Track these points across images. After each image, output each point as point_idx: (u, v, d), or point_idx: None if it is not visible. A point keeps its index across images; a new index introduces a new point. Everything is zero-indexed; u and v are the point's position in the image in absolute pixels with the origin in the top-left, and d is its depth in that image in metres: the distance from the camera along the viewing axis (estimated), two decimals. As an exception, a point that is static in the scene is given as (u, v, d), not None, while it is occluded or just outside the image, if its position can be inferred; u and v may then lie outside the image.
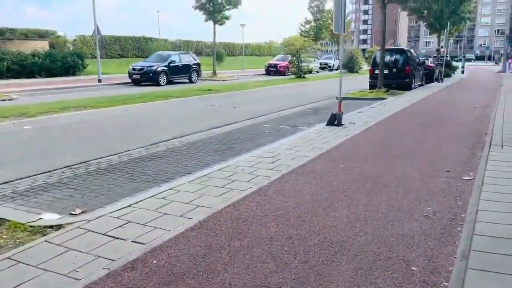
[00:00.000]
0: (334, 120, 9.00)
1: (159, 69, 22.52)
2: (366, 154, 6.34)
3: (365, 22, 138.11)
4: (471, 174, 5.16)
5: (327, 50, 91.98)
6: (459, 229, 3.53)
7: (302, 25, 48.12)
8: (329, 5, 49.84)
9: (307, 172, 5.38)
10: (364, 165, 5.67)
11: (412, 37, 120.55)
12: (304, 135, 8.02)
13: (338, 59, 46.63)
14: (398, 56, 18.35)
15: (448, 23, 25.44)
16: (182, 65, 24.32)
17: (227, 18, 29.43)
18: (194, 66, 25.40)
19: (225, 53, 51.03)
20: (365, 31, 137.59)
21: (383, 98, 14.83)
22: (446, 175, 5.17)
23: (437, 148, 6.62)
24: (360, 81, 23.56)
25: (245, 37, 76.29)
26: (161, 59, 23.76)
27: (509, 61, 34.92)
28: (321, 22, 47.04)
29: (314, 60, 43.67)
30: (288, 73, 30.24)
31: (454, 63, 39.52)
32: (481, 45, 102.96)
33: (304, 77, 27.64)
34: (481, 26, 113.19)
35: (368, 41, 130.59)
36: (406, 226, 3.61)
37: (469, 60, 72.37)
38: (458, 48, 48.99)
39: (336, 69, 43.66)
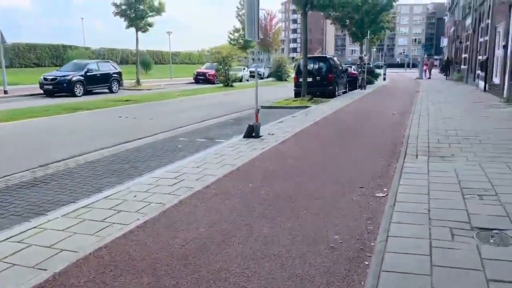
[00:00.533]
0: (252, 132, 8.49)
1: (74, 78, 20.90)
2: (279, 169, 5.84)
3: (294, 31, 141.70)
4: (385, 190, 4.81)
5: (258, 59, 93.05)
6: (367, 263, 3.06)
7: (231, 33, 47.89)
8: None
9: (210, 195, 4.74)
10: (275, 183, 5.15)
11: (338, 45, 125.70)
12: (218, 149, 7.39)
13: (269, 67, 47.00)
14: (321, 64, 18.45)
15: (369, 32, 26.23)
16: (100, 74, 22.82)
17: (150, 25, 28.25)
18: (115, 75, 23.98)
19: (153, 61, 49.41)
20: (294, 40, 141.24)
21: (306, 106, 14.68)
22: (359, 192, 4.78)
23: (353, 160, 6.30)
24: (288, 89, 23.49)
25: (177, 45, 74.57)
26: (77, 68, 22.12)
27: (424, 67, 37.04)
28: (249, 30, 47.07)
29: (244, 68, 43.59)
30: (218, 82, 29.63)
31: (378, 70, 41.34)
32: (401, 53, 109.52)
33: (232, 86, 27.20)
34: (400, 36, 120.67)
35: (298, 50, 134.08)
36: (308, 262, 3.08)
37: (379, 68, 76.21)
38: (380, 56, 51.50)
39: (267, 77, 43.86)
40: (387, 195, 4.60)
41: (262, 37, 63.33)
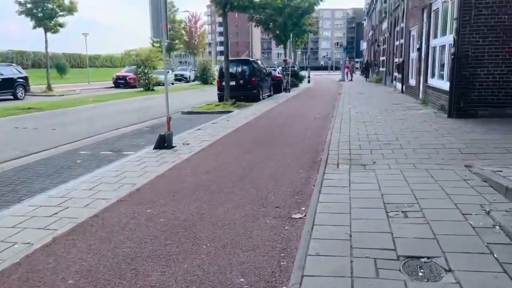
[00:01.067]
0: (163, 143, 7.64)
1: (-33, 84, 18.51)
2: (187, 188, 5.08)
3: (221, 33, 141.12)
4: (303, 209, 4.25)
5: (185, 62, 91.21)
6: (275, 319, 2.41)
7: (153, 35, 46.25)
8: (182, 15, 48.92)
9: (96, 228, 3.87)
10: (179, 207, 4.38)
11: (265, 48, 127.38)
12: (120, 165, 6.46)
13: (195, 70, 45.88)
14: (244, 67, 17.94)
15: (291, 35, 26.29)
16: (1, 79, 20.49)
17: (61, 25, 26.08)
18: (20, 80, 21.74)
19: (69, 64, 46.14)
20: (222, 43, 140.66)
21: (229, 111, 14.04)
22: (274, 213, 4.16)
23: (271, 173, 5.71)
24: (214, 92, 22.71)
25: (99, 48, 70.65)
26: (-28, 72, 19.66)
27: (346, 70, 38.23)
28: (173, 33, 45.64)
29: (168, 72, 42.11)
30: (139, 86, 28.01)
31: (303, 73, 41.97)
32: (324, 56, 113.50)
33: (153, 90, 25.85)
34: (323, 39, 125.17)
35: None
36: (200, 325, 2.36)
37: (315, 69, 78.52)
38: (305, 59, 52.62)
39: (193, 81, 42.78)
40: (305, 215, 4.03)
41: (187, 39, 62.17)
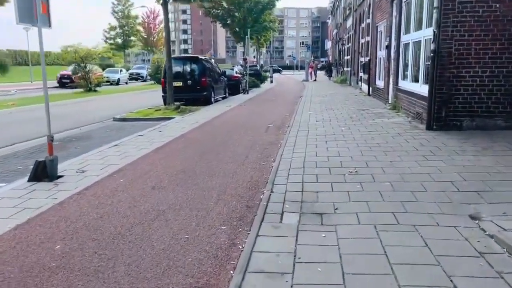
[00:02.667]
0: (43, 172, 5.38)
1: None
2: (44, 262, 2.91)
3: (185, 31, 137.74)
4: None
5: (144, 60, 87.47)
6: None
7: (106, 31, 43.02)
8: (136, 10, 45.94)
9: None
10: None
11: (230, 47, 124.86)
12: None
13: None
14: (193, 66, 15.72)
15: (249, 31, 24.28)
16: None
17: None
18: None
19: (10, 62, 42.28)
20: (185, 41, 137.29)
21: (169, 118, 11.84)
22: None
23: (177, 238, 3.59)
24: (162, 94, 20.49)
25: (52, 44, 66.56)
26: None
27: (310, 70, 36.58)
28: (128, 29, 42.74)
29: (121, 70, 39.30)
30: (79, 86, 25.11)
31: (268, 73, 40.03)
32: (289, 55, 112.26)
33: (95, 91, 23.15)
34: (288, 38, 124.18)
35: (190, 51, 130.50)
36: None
37: (278, 70, 76.90)
38: (269, 58, 50.78)
39: (151, 80, 40.04)
40: None
41: (145, 36, 59.04)
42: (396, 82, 11.34)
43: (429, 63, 7.80)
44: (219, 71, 18.41)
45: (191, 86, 15.44)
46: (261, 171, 5.58)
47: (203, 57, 17.34)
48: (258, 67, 39.64)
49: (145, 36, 56.71)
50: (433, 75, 7.59)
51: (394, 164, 5.46)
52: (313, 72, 36.41)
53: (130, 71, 43.24)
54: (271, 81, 35.49)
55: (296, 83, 33.50)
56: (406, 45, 10.71)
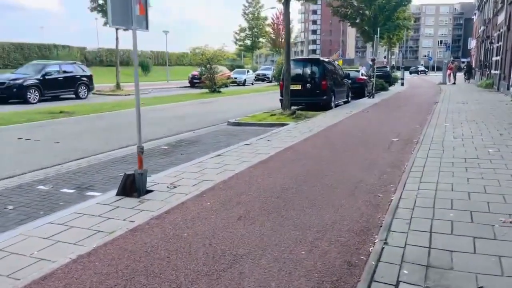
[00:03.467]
0: (132, 187, 5.00)
1: (27, 82, 17.87)
2: None
3: (314, 32, 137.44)
4: None
5: (273, 61, 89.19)
6: None
7: (236, 33, 44.49)
8: (266, 12, 46.54)
9: None
10: None
11: (359, 47, 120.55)
12: (38, 226, 3.95)
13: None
14: (313, 68, 14.77)
15: (379, 30, 22.37)
16: (64, 77, 19.74)
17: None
18: (83, 78, 20.88)
19: (153, 63, 46.36)
20: (314, 41, 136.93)
21: (282, 124, 11.12)
22: None
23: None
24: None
25: (182, 46, 72.33)
26: (34, 70, 19.09)
27: (448, 71, 32.71)
28: (257, 30, 43.60)
29: (248, 71, 40.22)
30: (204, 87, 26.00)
31: (398, 74, 37.15)
32: (425, 55, 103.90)
33: (219, 92, 23.69)
34: (425, 37, 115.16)
35: (318, 51, 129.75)
36: None
37: (416, 72, 71.44)
38: (400, 58, 47.10)
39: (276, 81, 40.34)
40: None
41: (273, 37, 59.81)
42: None
43: None
44: (342, 74, 17.13)
45: (311, 89, 14.52)
46: (375, 207, 4.40)
47: (325, 59, 16.31)
48: (388, 68, 37.00)
49: (274, 38, 57.49)
50: None
51: None
52: (451, 74, 32.53)
53: (257, 72, 44.08)
54: (402, 84, 32.70)
55: (431, 86, 30.29)
56: None
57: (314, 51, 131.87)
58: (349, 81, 20.68)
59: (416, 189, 4.79)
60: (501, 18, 22.94)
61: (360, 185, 5.19)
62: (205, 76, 23.93)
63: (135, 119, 5.19)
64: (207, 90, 23.84)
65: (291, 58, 18.74)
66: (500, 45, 22.68)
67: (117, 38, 24.73)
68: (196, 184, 5.35)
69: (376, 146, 7.68)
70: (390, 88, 28.93)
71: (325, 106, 14.68)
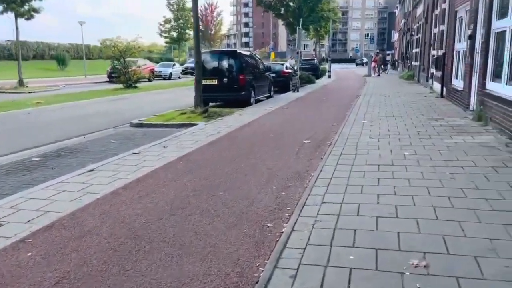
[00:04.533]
0: None
1: None
2: None
3: (246, 24, 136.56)
4: None
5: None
6: None
7: (161, 24, 42.19)
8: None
9: None
10: None
11: (291, 40, 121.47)
12: None
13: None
14: (230, 62, 13.63)
15: (301, 21, 21.74)
16: None
17: (36, 10, 22.46)
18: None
19: (71, 56, 42.84)
20: (246, 34, 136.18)
21: (192, 124, 9.89)
22: None
23: None
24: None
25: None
26: None
27: (373, 64, 33.17)
28: (183, 22, 41.68)
29: (174, 64, 38.37)
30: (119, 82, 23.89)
31: (327, 67, 37.11)
32: (353, 48, 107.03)
33: (135, 87, 21.85)
34: (353, 30, 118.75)
35: (251, 44, 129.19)
36: None
37: (362, 63, 72.38)
38: (329, 50, 47.19)
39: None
40: None
41: (203, 29, 58.01)
42: (483, 85, 8.47)
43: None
44: (264, 67, 16.15)
45: (228, 84, 13.39)
46: (257, 247, 3.30)
47: (243, 51, 15.24)
48: (315, 61, 36.93)
49: (203, 30, 55.77)
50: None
51: (498, 247, 2.98)
52: (376, 67, 33.01)
53: (185, 65, 42.27)
54: (329, 76, 32.66)
55: (357, 78, 30.43)
56: (500, 34, 7.85)
57: (247, 44, 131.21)
58: (273, 75, 19.85)
59: (314, 215, 3.78)
60: (419, 10, 23.27)
61: (249, 210, 4.10)
62: (118, 70, 21.93)
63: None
64: (121, 86, 21.83)
65: (209, 50, 17.55)
66: (419, 37, 23.00)
67: (17, 28, 21.98)
68: (31, 220, 3.97)
69: (284, 151, 6.68)
70: (317, 81, 28.64)
71: (244, 102, 13.63)
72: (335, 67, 51.73)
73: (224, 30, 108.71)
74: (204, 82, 13.39)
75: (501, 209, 3.72)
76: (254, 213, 4.02)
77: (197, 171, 5.61)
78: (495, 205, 3.82)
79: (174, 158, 6.36)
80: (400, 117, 9.63)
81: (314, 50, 51.54)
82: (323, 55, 67.46)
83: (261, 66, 15.60)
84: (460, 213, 3.67)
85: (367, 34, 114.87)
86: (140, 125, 10.47)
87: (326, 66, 39.04)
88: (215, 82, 13.38)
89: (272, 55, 44.84)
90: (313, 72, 32.68)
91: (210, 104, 14.56)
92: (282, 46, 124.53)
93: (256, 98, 14.90)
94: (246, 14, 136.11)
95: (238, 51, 14.31)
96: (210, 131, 8.75)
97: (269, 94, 16.46)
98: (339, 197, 4.21)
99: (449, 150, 6.07)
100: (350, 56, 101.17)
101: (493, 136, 6.86)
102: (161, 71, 34.17)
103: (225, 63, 13.65)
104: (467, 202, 3.94)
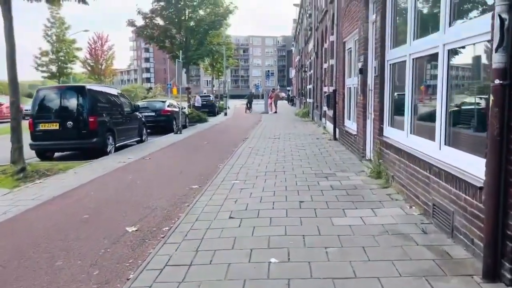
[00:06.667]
0: None
1: None
2: None
3: (147, 59, 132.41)
4: None
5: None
6: None
7: (37, 57, 37.25)
8: (76, 35, 40.53)
9: None
10: None
11: (193, 75, 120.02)
12: None
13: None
14: (78, 100, 10.54)
15: (180, 53, 19.46)
16: None
17: None
18: None
19: None
20: (147, 69, 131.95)
21: (-13, 194, 6.64)
22: None
23: None
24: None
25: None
26: None
27: (269, 100, 31.97)
28: (63, 55, 37.29)
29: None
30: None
31: (230, 103, 35.24)
32: (255, 84, 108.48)
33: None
34: (254, 67, 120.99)
35: (152, 79, 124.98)
36: None
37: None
38: (223, 86, 45.60)
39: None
40: None
41: (92, 63, 53.50)
42: (380, 130, 6.58)
43: (481, 100, 3.05)
44: (129, 106, 13.25)
45: (73, 129, 10.31)
46: None
47: (95, 87, 12.28)
48: (211, 97, 34.93)
49: (92, 64, 51.39)
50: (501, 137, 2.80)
51: None
52: (273, 103, 31.85)
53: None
54: (225, 114, 30.68)
55: (254, 116, 28.77)
56: (395, 66, 6.07)
57: (148, 79, 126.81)
58: (152, 114, 17.15)
59: None
60: (311, 46, 22.44)
61: None
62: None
63: None
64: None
65: (49, 86, 14.37)
66: (312, 73, 22.02)
67: None
68: None
69: (85, 257, 3.87)
70: (212, 118, 26.45)
71: (99, 152, 10.60)
72: (237, 102, 50.48)
73: (123, 65, 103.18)
74: (41, 127, 10.26)
75: None
76: None
77: None
78: None
79: None
80: (283, 172, 7.40)
81: (213, 86, 49.94)
82: (226, 90, 66.37)
83: (123, 105, 12.65)
84: None
85: (268, 71, 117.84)
86: None
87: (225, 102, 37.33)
88: (56, 126, 10.24)
89: (174, 91, 41.81)
90: (209, 109, 30.54)
91: (57, 154, 11.34)
92: (184, 81, 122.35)
93: (120, 144, 11.95)
94: (147, 49, 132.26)
95: (87, 86, 11.28)
96: (4, 208, 5.64)
97: (139, 138, 13.55)
98: None
99: (341, 247, 3.77)
100: (253, 92, 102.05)
101: (401, 209, 4.78)
102: (29, 110, 29.34)
103: (70, 102, 10.58)
104: None
